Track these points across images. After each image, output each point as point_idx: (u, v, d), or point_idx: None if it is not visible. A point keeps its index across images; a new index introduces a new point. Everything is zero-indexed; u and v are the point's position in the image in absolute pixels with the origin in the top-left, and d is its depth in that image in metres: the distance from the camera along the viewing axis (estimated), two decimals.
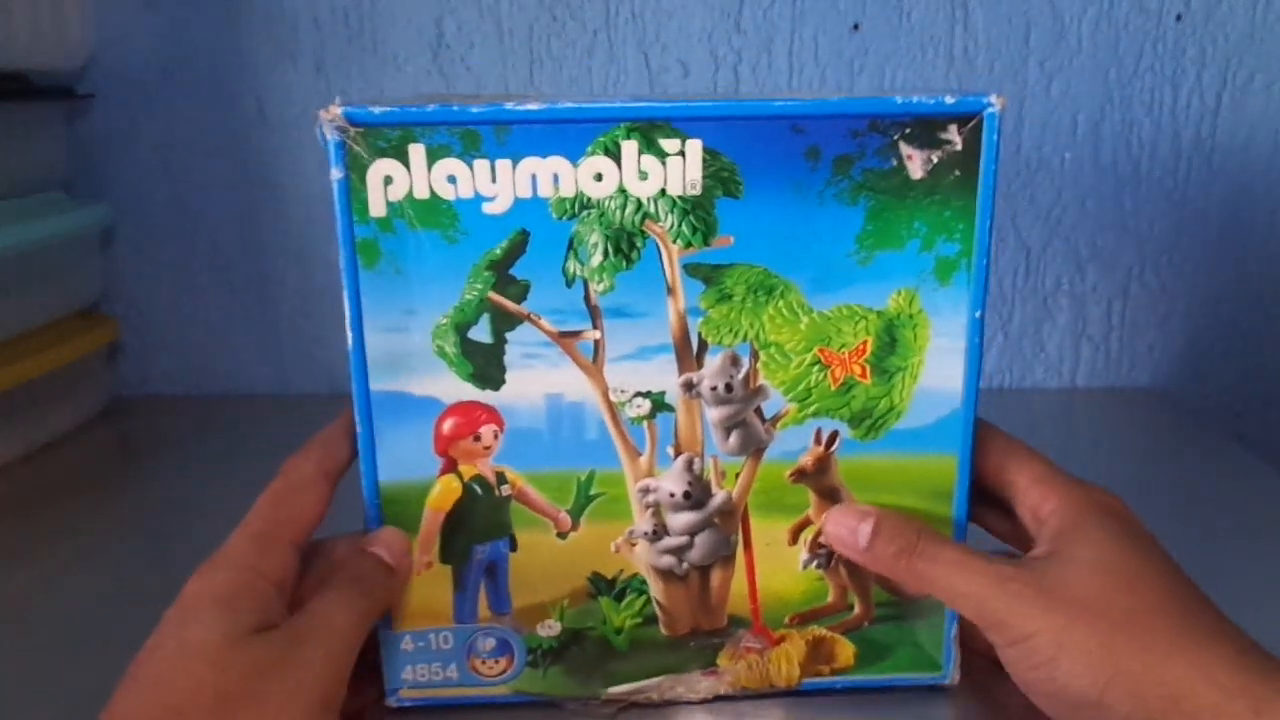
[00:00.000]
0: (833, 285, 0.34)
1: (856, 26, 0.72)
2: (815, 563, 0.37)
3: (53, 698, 0.40)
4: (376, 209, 0.32)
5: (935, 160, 0.33)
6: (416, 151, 0.32)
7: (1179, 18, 0.71)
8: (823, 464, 0.35)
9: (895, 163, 0.33)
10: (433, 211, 0.32)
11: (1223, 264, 0.75)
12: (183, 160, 0.75)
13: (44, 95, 0.68)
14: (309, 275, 0.77)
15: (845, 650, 0.38)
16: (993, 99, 0.33)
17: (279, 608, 0.32)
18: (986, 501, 0.38)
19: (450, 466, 0.35)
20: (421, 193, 0.32)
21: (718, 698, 0.38)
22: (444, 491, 0.35)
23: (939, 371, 0.35)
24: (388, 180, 0.32)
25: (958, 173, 0.33)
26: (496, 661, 0.37)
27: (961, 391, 0.35)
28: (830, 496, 0.36)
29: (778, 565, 0.37)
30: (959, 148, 0.33)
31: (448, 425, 0.35)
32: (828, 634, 0.37)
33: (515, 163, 0.32)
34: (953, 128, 0.33)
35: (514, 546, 0.36)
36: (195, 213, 0.76)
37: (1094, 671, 0.30)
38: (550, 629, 0.37)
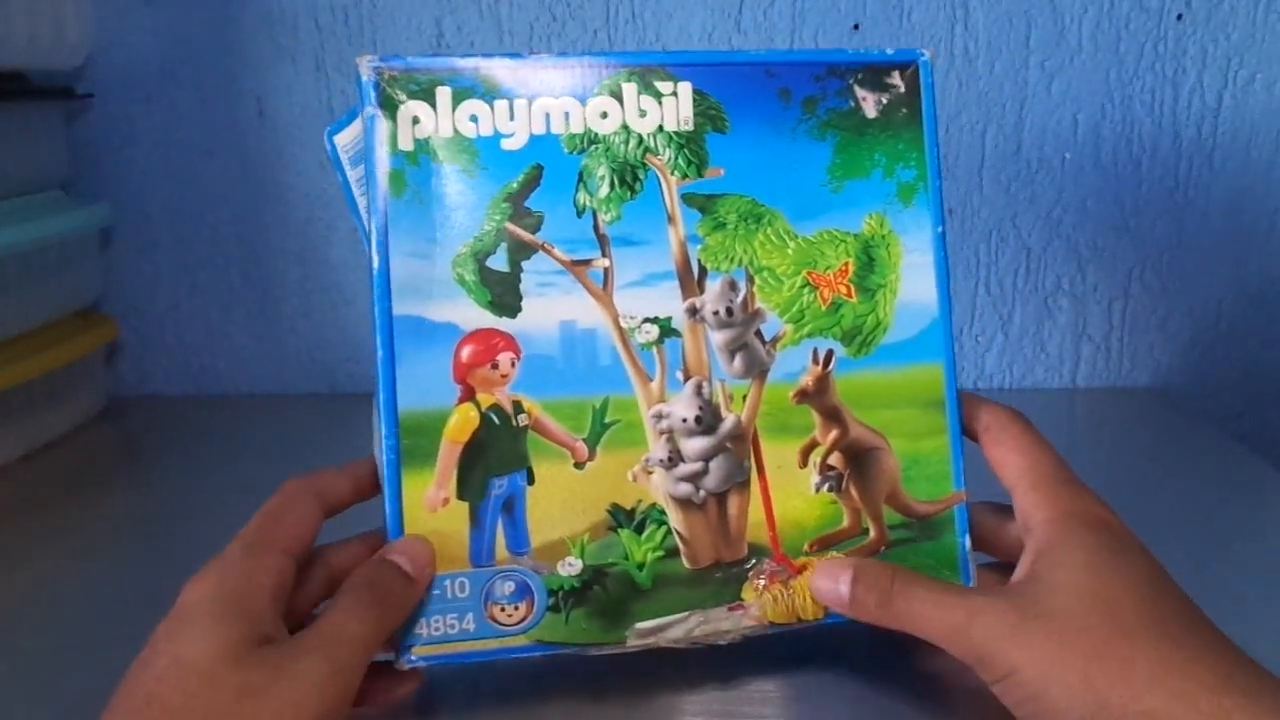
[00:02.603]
0: (812, 213, 0.38)
1: (856, 27, 0.72)
2: (827, 485, 0.38)
3: (52, 698, 0.40)
4: (404, 143, 0.35)
5: (884, 101, 0.38)
6: (443, 93, 0.36)
7: (1180, 17, 0.71)
8: (822, 383, 0.38)
9: (852, 104, 0.38)
10: (455, 148, 0.36)
11: (1223, 264, 0.75)
12: (183, 160, 0.75)
13: (44, 95, 0.68)
14: (309, 275, 0.77)
15: None
16: (924, 51, 0.39)
17: (272, 615, 0.32)
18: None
19: (468, 395, 0.36)
20: (446, 131, 0.36)
21: (746, 640, 0.37)
22: (461, 421, 0.35)
23: (915, 286, 0.39)
24: (415, 120, 0.35)
25: (904, 111, 0.39)
26: (516, 608, 0.36)
27: (936, 301, 0.39)
28: (833, 416, 0.38)
29: (791, 490, 0.38)
30: (902, 90, 0.39)
31: (466, 352, 0.35)
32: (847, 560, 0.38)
33: (531, 102, 0.36)
34: (895, 74, 0.39)
35: (531, 479, 0.36)
36: (195, 213, 0.76)
37: (1078, 705, 0.30)
38: (571, 567, 0.36)
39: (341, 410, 0.76)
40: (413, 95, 0.35)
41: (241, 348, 0.79)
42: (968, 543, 0.39)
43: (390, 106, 0.35)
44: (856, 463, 0.38)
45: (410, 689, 0.37)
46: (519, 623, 0.36)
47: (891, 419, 0.38)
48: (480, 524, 0.36)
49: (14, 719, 0.39)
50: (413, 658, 0.35)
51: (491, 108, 0.36)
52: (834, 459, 0.38)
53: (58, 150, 0.70)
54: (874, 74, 0.38)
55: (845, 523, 0.38)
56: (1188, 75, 0.72)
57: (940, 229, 0.39)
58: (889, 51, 0.39)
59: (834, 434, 0.38)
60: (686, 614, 0.37)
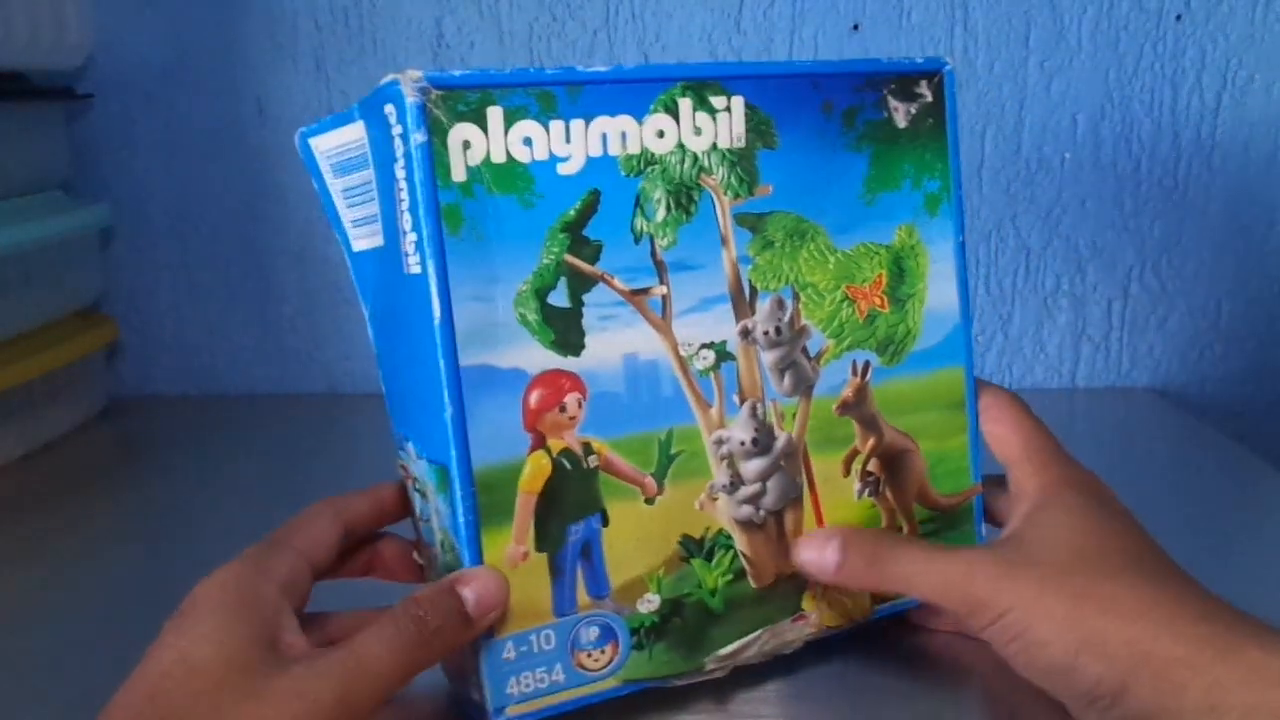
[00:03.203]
0: (849, 226, 0.39)
1: (856, 27, 0.72)
2: (867, 491, 0.40)
3: (53, 698, 0.40)
4: (458, 174, 0.32)
5: (913, 111, 0.39)
6: (494, 114, 0.32)
7: (1179, 18, 0.71)
8: (861, 394, 0.39)
9: (886, 114, 0.39)
10: (509, 175, 0.33)
11: (1223, 264, 0.75)
12: (183, 160, 0.75)
13: (44, 95, 0.68)
14: (309, 275, 0.77)
15: None
16: (947, 59, 0.40)
17: (283, 616, 0.32)
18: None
19: (539, 443, 0.34)
20: (498, 156, 0.33)
21: (807, 644, 0.39)
22: (534, 471, 0.34)
23: (939, 294, 0.41)
24: (466, 145, 0.32)
25: (931, 120, 0.40)
26: (602, 652, 0.36)
27: (958, 307, 0.41)
28: (870, 425, 0.40)
29: (838, 499, 0.39)
30: (929, 100, 0.40)
31: (534, 398, 0.34)
32: None
33: (588, 122, 0.34)
34: (924, 83, 0.40)
35: (606, 521, 0.36)
36: (195, 213, 0.76)
37: (1064, 637, 0.32)
38: (649, 604, 0.36)
39: (341, 410, 0.77)
40: (461, 117, 0.32)
41: (241, 348, 0.79)
42: (983, 529, 0.42)
43: (439, 132, 0.31)
44: (890, 467, 0.40)
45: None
46: (606, 665, 0.36)
47: (920, 423, 0.40)
48: (560, 573, 0.35)
49: (14, 719, 0.39)
50: (508, 718, 0.34)
51: (547, 129, 0.33)
52: (872, 465, 0.40)
53: (58, 150, 0.71)
54: (905, 84, 0.39)
55: (883, 524, 0.40)
56: (1187, 76, 0.72)
57: (961, 238, 0.41)
58: (918, 60, 0.40)
59: (871, 441, 0.40)
60: (759, 633, 0.38)
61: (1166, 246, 0.75)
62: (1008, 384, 0.78)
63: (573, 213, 0.34)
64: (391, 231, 0.34)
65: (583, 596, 0.35)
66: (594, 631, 0.36)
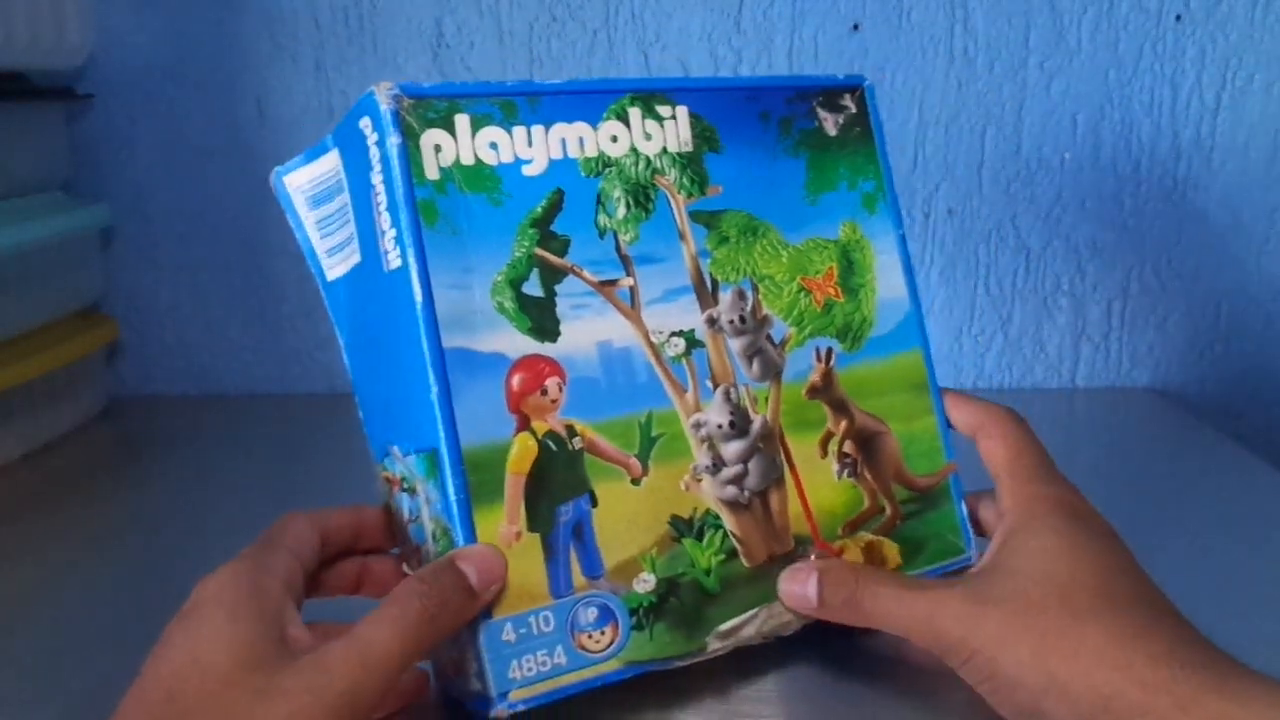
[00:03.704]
0: (797, 225, 0.42)
1: (856, 27, 0.72)
2: (846, 471, 0.41)
3: (53, 698, 0.40)
4: (431, 172, 0.35)
5: (841, 121, 0.43)
6: (462, 121, 0.36)
7: (1179, 18, 0.71)
8: (828, 378, 0.41)
9: (816, 123, 0.43)
10: (478, 176, 0.36)
11: (1223, 264, 0.75)
12: (183, 160, 0.75)
13: (44, 95, 0.68)
14: (309, 275, 0.77)
15: (892, 551, 0.41)
16: (867, 78, 0.45)
17: (288, 612, 0.32)
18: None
19: (524, 425, 0.36)
20: (467, 159, 0.36)
21: (809, 644, 0.39)
22: (521, 451, 0.35)
23: (888, 284, 0.44)
24: (438, 149, 0.35)
25: (858, 129, 0.44)
26: (602, 633, 0.36)
27: (907, 296, 0.44)
28: (840, 408, 0.42)
29: (819, 481, 0.41)
30: (854, 110, 0.44)
31: (516, 380, 0.35)
32: (875, 538, 0.41)
33: (548, 128, 0.37)
34: (847, 96, 0.44)
35: (595, 502, 0.36)
36: (195, 213, 0.76)
37: (1031, 679, 0.32)
38: (645, 583, 0.37)
39: (341, 410, 0.76)
40: (431, 124, 0.35)
41: (241, 348, 0.79)
42: (964, 508, 0.43)
43: (412, 135, 0.35)
44: (865, 448, 0.42)
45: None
46: (607, 647, 0.36)
47: (887, 405, 0.43)
48: (554, 553, 0.35)
49: (14, 719, 0.39)
50: (512, 703, 0.34)
51: (510, 135, 0.36)
52: (847, 447, 0.41)
53: (58, 150, 0.71)
54: (831, 97, 0.43)
55: (866, 504, 0.42)
56: (1186, 76, 0.72)
57: (900, 232, 0.44)
58: (840, 77, 0.44)
59: (844, 424, 0.41)
60: (755, 611, 0.38)
61: (1166, 246, 0.75)
62: (1008, 384, 0.78)
63: (539, 210, 0.37)
64: (369, 241, 0.36)
65: (578, 577, 0.36)
66: (593, 612, 0.36)
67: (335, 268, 0.39)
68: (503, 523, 0.35)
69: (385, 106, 0.34)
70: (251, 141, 0.74)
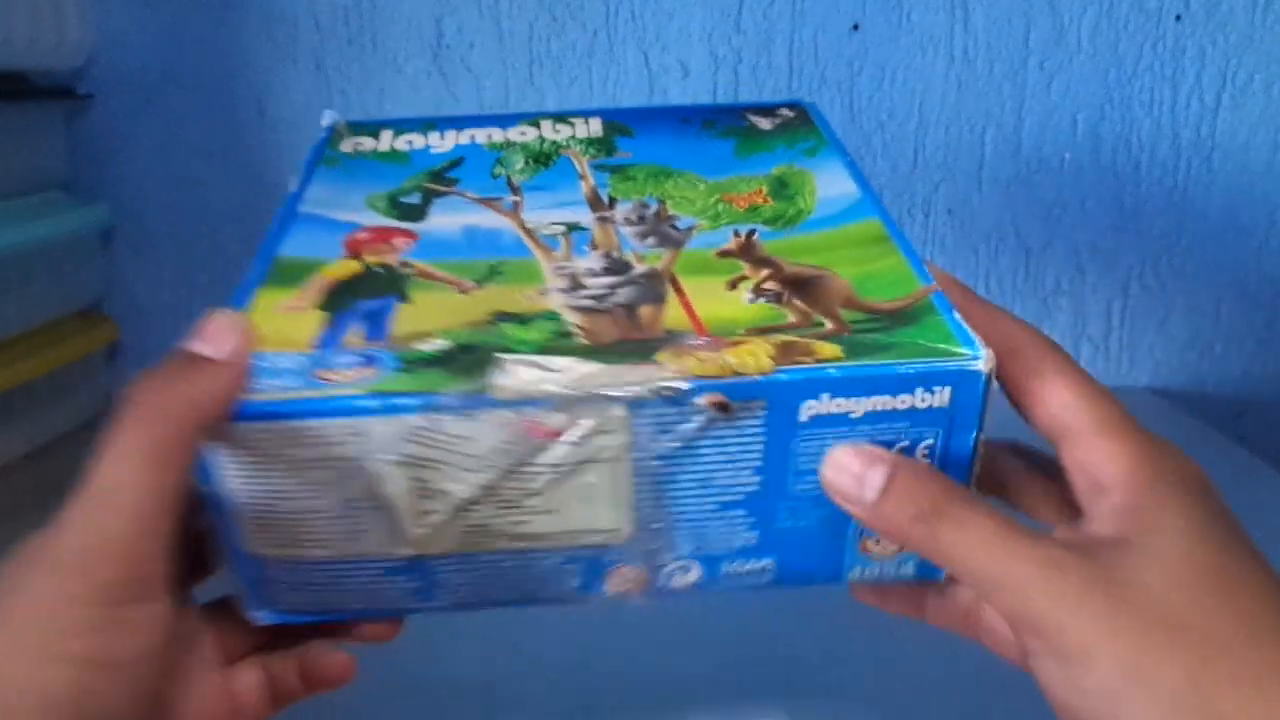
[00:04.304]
0: (722, 171, 0.38)
1: (856, 27, 0.72)
2: (763, 299, 0.31)
3: None
4: (346, 148, 0.39)
5: (777, 121, 0.41)
6: (386, 132, 0.40)
7: (1178, 18, 0.71)
8: (746, 245, 0.33)
9: (747, 123, 0.41)
10: (389, 155, 0.39)
11: (1223, 264, 0.75)
12: (183, 160, 0.75)
13: (44, 95, 0.68)
14: None
15: (830, 350, 0.28)
16: (812, 100, 0.43)
17: None
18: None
19: (354, 255, 0.33)
20: (383, 148, 0.39)
21: (661, 398, 0.27)
22: (340, 266, 0.32)
23: (834, 187, 0.36)
24: (357, 144, 0.40)
25: (799, 122, 0.41)
26: (352, 371, 0.28)
27: (856, 189, 0.36)
28: (763, 263, 0.32)
29: (719, 301, 0.30)
30: (793, 116, 0.41)
31: (361, 235, 0.34)
32: (799, 339, 0.29)
33: (460, 130, 0.40)
34: (785, 109, 0.42)
35: (405, 299, 0.31)
36: (195, 213, 0.76)
37: (1174, 713, 0.23)
38: (434, 344, 0.29)
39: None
40: (358, 132, 0.40)
41: None
42: (958, 318, 0.29)
43: (338, 136, 0.40)
44: (799, 289, 0.31)
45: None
46: (353, 380, 0.28)
47: (832, 258, 0.32)
48: (335, 323, 0.30)
49: None
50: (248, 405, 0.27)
51: (426, 136, 0.40)
52: (769, 285, 0.31)
53: (58, 150, 0.71)
54: (765, 109, 0.42)
55: (792, 321, 0.30)
56: (1186, 76, 0.72)
57: (849, 159, 0.38)
58: (777, 99, 0.44)
59: (766, 272, 0.31)
60: (571, 360, 0.27)
61: (1166, 246, 0.75)
62: None
63: (437, 167, 0.38)
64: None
65: (352, 338, 0.29)
66: (349, 358, 0.29)
67: None
68: (286, 299, 0.30)
69: (325, 124, 0.41)
70: (251, 142, 0.74)
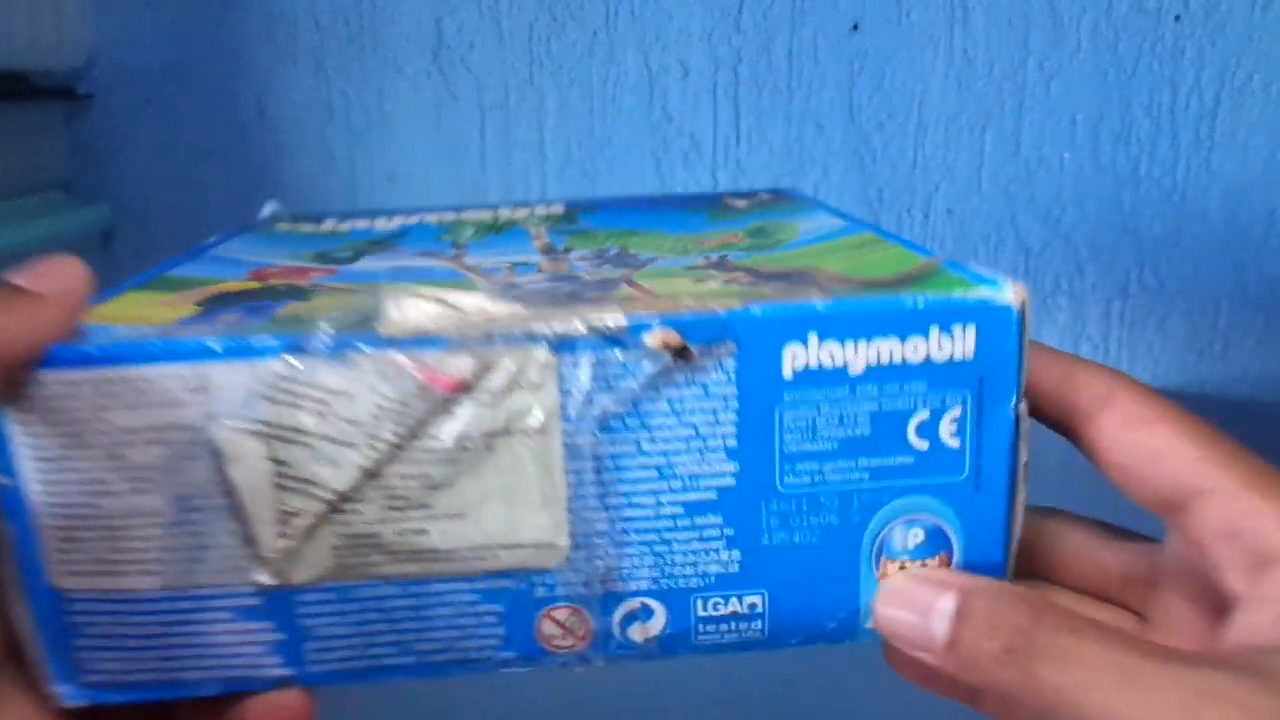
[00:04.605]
0: (694, 230, 0.31)
1: (856, 27, 0.72)
2: (737, 286, 0.26)
3: None
4: (281, 228, 0.36)
5: (755, 200, 0.36)
6: (329, 219, 0.37)
7: (1178, 18, 0.71)
8: (719, 263, 0.28)
9: (722, 201, 0.37)
10: (327, 233, 0.35)
11: (1222, 264, 0.75)
12: (183, 161, 0.75)
13: (44, 95, 0.68)
14: None
15: (814, 294, 0.23)
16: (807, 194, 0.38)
17: None
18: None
19: (259, 279, 0.29)
20: (324, 230, 0.35)
21: (597, 336, 0.21)
22: (238, 284, 0.28)
23: (820, 224, 0.31)
24: (296, 226, 0.36)
25: (780, 199, 0.36)
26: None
27: (848, 221, 0.30)
28: (741, 270, 0.27)
29: (673, 278, 0.27)
30: (772, 198, 0.37)
31: (272, 269, 0.28)
32: (778, 290, 0.24)
33: (409, 215, 0.36)
34: (762, 193, 0.37)
35: (301, 300, 0.27)
36: (195, 213, 0.76)
37: None
38: (322, 319, 0.24)
39: None
40: (298, 220, 0.37)
41: None
42: (973, 268, 0.24)
43: (272, 222, 0.37)
44: (778, 278, 0.26)
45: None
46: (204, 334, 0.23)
47: (820, 262, 0.26)
48: (209, 314, 0.25)
49: None
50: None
51: (372, 220, 0.35)
52: (745, 279, 0.26)
53: (59, 150, 0.71)
54: (743, 194, 0.38)
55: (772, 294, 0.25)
56: (1186, 76, 0.72)
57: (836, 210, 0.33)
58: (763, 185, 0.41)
59: (741, 274, 0.27)
60: (483, 298, 0.22)
61: (1166, 246, 0.75)
62: None
63: (376, 238, 0.32)
64: None
65: (226, 320, 0.24)
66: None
67: None
68: (162, 298, 0.26)
69: (264, 214, 0.38)
70: (251, 142, 0.74)
